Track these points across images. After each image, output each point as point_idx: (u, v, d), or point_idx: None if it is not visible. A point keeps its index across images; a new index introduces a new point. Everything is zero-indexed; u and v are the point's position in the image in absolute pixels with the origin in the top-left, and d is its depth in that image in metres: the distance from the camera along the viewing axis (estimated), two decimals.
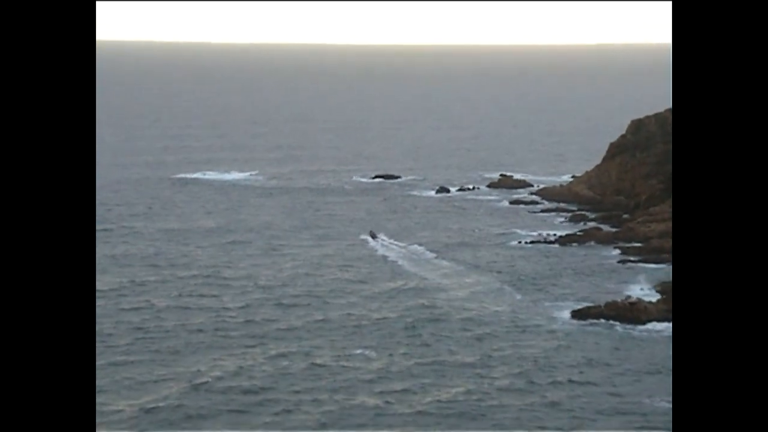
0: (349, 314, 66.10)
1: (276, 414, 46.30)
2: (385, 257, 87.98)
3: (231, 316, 64.88)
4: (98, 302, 65.83)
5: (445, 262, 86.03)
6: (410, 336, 60.40)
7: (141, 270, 78.66)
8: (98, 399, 46.19)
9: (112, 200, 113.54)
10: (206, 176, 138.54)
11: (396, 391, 49.09)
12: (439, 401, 47.78)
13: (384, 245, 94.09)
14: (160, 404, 46.95)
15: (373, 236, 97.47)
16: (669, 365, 53.70)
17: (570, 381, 50.88)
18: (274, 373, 52.27)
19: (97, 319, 60.76)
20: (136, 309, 65.96)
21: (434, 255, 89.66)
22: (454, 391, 49.27)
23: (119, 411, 46.38)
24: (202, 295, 71.00)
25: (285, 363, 54.15)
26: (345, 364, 54.14)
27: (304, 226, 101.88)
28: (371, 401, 47.84)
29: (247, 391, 49.24)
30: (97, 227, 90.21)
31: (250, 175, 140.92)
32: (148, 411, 46.10)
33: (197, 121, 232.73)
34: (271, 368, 53.04)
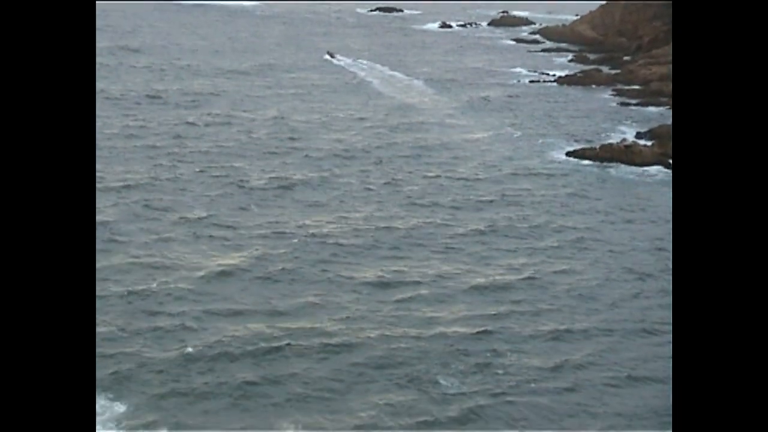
0: (345, 145, 63.30)
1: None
2: (378, 91, 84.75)
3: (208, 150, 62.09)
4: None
5: (443, 98, 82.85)
6: (396, 167, 57.69)
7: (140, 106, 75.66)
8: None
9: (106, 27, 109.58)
10: (208, 2, 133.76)
11: (382, 227, 46.58)
12: (422, 237, 45.29)
13: (378, 74, 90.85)
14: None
15: (331, 55, 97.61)
16: (659, 207, 51.41)
17: (560, 222, 48.42)
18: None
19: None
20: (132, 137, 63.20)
21: (433, 91, 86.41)
22: (438, 224, 46.80)
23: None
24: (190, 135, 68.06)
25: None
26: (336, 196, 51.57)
27: (301, 54, 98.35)
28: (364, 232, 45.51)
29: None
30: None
31: (254, 2, 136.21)
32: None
33: None
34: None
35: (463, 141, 66.84)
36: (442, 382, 29.06)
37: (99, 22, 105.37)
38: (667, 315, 33.91)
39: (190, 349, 30.55)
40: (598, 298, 36.98)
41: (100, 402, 27.08)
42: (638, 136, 69.88)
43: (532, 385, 29.16)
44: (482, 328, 33.18)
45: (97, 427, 25.52)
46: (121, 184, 50.63)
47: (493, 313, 34.83)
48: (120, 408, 26.97)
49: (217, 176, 53.39)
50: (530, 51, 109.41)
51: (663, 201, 52.53)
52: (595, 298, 36.99)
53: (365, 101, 79.39)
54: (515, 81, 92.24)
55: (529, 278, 38.95)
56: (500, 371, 29.96)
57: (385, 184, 53.78)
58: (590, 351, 31.91)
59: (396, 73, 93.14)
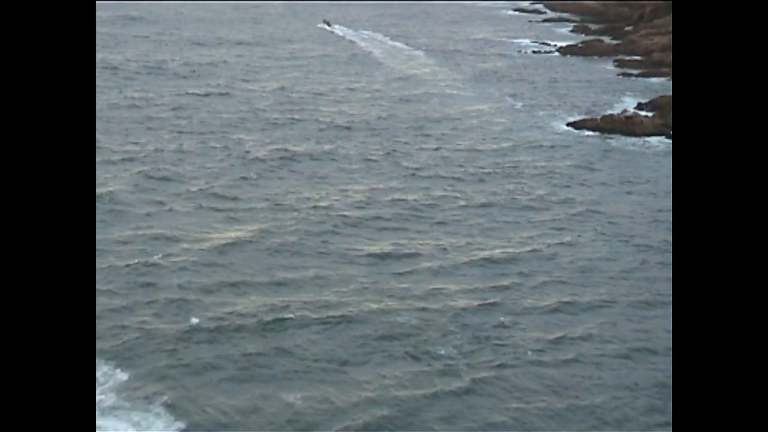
0: (346, 117, 63.09)
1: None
2: (379, 62, 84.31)
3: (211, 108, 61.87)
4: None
5: (444, 69, 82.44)
6: (396, 139, 57.51)
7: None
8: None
9: None
10: None
11: (384, 200, 46.42)
12: (424, 209, 45.09)
13: (379, 45, 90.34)
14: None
15: (328, 24, 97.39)
16: (660, 179, 51.24)
17: (562, 194, 48.19)
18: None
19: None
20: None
21: (433, 61, 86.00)
22: (440, 196, 46.63)
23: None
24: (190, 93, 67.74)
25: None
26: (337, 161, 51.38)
27: (303, 24, 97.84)
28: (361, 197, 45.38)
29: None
30: None
31: None
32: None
33: None
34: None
35: (464, 112, 66.58)
36: (444, 353, 29.06)
37: None
38: (670, 287, 33.89)
39: (193, 321, 30.55)
40: (601, 271, 36.89)
41: (102, 369, 27.16)
42: (639, 106, 69.57)
43: (535, 356, 29.14)
44: (485, 301, 33.13)
45: (98, 396, 25.59)
46: (122, 156, 50.49)
47: (495, 285, 34.75)
48: (122, 377, 27.00)
49: (219, 148, 53.22)
50: (531, 21, 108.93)
51: (664, 172, 52.38)
52: (597, 271, 36.89)
53: (366, 72, 79.02)
54: (516, 51, 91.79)
55: (531, 251, 38.85)
56: (503, 343, 29.96)
57: (385, 155, 53.58)
58: (593, 323, 31.86)
59: (397, 44, 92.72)
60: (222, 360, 28.14)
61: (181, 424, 24.91)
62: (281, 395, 26.36)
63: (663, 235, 41.12)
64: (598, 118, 64.55)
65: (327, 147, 54.50)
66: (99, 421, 24.22)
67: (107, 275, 33.76)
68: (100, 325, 29.16)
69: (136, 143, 53.22)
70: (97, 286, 31.92)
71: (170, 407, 25.59)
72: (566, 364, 28.77)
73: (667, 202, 45.62)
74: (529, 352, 29.36)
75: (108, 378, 26.87)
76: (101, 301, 31.07)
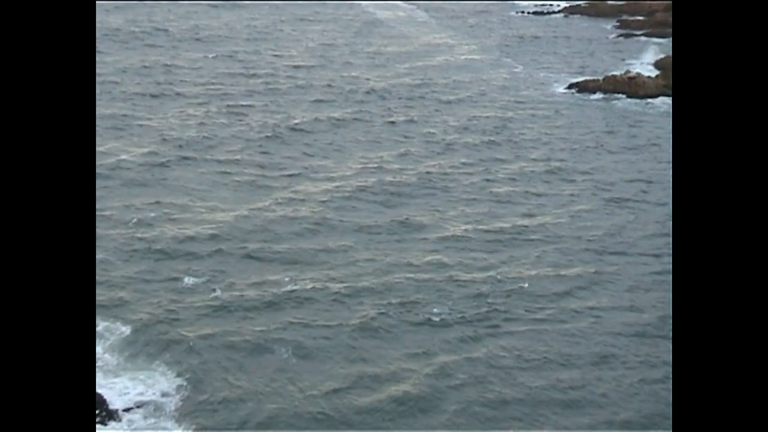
0: (345, 76, 62.67)
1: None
2: (379, 19, 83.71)
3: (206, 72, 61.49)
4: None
5: (447, 31, 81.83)
6: (401, 105, 57.16)
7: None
8: None
9: None
10: None
11: (389, 170, 46.05)
12: (431, 181, 44.61)
13: (381, 5, 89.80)
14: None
15: None
16: (663, 139, 50.98)
17: (566, 160, 47.72)
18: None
19: None
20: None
21: (435, 21, 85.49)
22: (445, 166, 46.30)
23: None
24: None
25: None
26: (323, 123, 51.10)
27: None
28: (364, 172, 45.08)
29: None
30: None
31: None
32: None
33: None
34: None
35: (468, 76, 66.05)
36: (454, 325, 28.64)
37: None
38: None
39: (199, 293, 30.19)
40: (609, 240, 36.31)
41: (104, 323, 27.30)
42: (642, 67, 69.23)
43: (545, 326, 28.84)
44: (492, 273, 32.62)
45: (104, 356, 25.86)
46: (128, 122, 50.08)
47: (503, 258, 34.08)
48: (123, 335, 27.08)
49: (227, 114, 52.54)
50: None
51: (667, 133, 52.10)
52: (606, 239, 36.33)
53: (370, 36, 78.43)
54: (518, 12, 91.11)
55: (533, 217, 38.53)
56: (512, 315, 29.54)
57: (388, 122, 52.88)
58: (602, 295, 31.25)
59: (399, 3, 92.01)
60: (228, 334, 27.54)
61: (183, 381, 24.91)
62: (286, 370, 26.03)
63: (667, 200, 40.82)
64: (601, 78, 64.12)
65: (334, 114, 53.96)
66: (103, 380, 24.54)
67: (113, 247, 33.41)
68: (105, 297, 29.06)
69: (141, 109, 52.82)
70: (101, 254, 31.79)
71: (173, 369, 25.54)
72: (578, 338, 28.31)
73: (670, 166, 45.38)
74: (537, 323, 29.00)
75: (111, 333, 27.12)
76: (107, 275, 30.87)
